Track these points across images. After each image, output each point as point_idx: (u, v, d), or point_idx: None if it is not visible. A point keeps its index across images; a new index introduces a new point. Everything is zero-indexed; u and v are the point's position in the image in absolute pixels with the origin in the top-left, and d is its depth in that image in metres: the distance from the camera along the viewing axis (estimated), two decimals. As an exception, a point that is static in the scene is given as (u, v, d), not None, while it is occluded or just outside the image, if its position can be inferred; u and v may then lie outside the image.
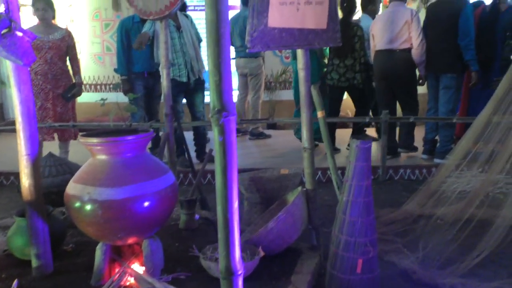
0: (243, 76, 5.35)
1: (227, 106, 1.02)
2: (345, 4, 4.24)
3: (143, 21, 3.89)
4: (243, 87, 5.42)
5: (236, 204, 1.08)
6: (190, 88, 4.02)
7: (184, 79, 3.93)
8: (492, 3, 3.79)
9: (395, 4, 4.04)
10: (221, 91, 1.00)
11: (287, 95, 6.82)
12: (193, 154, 4.20)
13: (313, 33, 2.00)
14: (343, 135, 4.93)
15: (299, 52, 2.05)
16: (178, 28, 3.87)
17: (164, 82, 2.82)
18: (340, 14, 4.26)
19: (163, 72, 2.81)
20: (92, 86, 7.07)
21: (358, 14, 4.83)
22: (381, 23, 4.08)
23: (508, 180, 3.01)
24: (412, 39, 3.94)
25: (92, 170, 1.73)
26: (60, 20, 6.81)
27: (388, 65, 4.05)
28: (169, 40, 3.75)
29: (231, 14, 5.96)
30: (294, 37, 1.96)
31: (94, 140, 1.69)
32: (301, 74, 2.10)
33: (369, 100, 4.51)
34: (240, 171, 3.33)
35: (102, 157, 1.73)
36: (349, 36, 4.15)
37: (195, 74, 3.98)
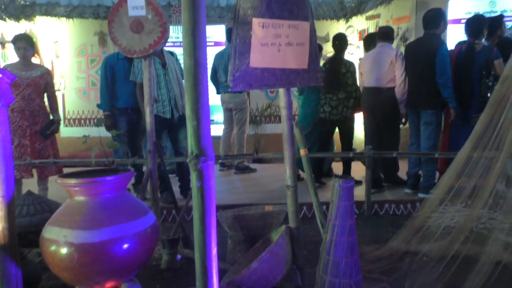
0: (228, 110, 5.39)
1: (206, 151, 1.01)
2: (336, 42, 4.48)
3: (129, 58, 3.93)
4: (228, 122, 5.45)
5: (214, 251, 1.06)
6: (173, 124, 4.03)
7: (168, 116, 3.94)
8: (468, 43, 3.95)
9: (381, 44, 4.29)
10: (199, 135, 1.00)
11: (273, 128, 6.88)
12: (177, 190, 4.15)
13: (295, 73, 2.04)
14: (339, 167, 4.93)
15: (281, 91, 2.08)
16: (164, 65, 3.91)
17: (147, 119, 2.82)
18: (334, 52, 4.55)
19: (146, 109, 2.81)
20: (76, 121, 7.02)
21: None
22: (369, 63, 4.33)
23: (491, 215, 3.03)
24: (396, 78, 4.12)
25: (69, 212, 1.68)
26: (46, 56, 6.85)
27: (375, 102, 4.25)
28: (154, 77, 3.81)
29: (218, 50, 6.08)
30: (276, 76, 1.99)
31: (72, 181, 1.65)
32: (283, 112, 2.12)
33: (353, 134, 4.64)
34: (225, 208, 3.30)
35: (80, 198, 1.70)
36: (341, 72, 4.38)
37: (179, 110, 4.00)
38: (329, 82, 4.35)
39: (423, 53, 3.91)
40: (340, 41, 4.48)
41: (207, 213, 1.04)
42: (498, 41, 4.06)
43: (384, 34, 4.41)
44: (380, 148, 4.10)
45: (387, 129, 4.28)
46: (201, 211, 1.03)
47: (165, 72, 3.91)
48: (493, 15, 5.32)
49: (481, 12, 5.20)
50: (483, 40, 4.01)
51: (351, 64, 4.47)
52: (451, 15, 5.53)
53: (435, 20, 3.91)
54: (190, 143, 1.02)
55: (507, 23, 4.62)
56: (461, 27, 4.45)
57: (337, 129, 4.63)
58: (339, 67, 4.38)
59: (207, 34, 6.48)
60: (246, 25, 1.87)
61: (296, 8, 1.94)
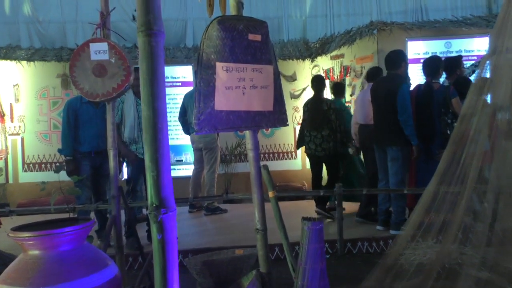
0: (198, 150, 5.37)
1: (166, 202, 0.99)
2: (314, 83, 4.88)
3: (94, 102, 3.90)
4: (199, 161, 5.42)
5: (177, 308, 1.01)
6: None
7: None
8: (426, 82, 4.16)
9: (368, 85, 4.70)
10: (160, 186, 0.98)
11: (243, 167, 6.88)
12: (144, 234, 4.01)
13: (260, 115, 2.07)
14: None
15: (248, 134, 2.10)
16: None
17: (111, 163, 2.76)
18: (313, 92, 4.88)
19: (110, 153, 2.76)
20: (37, 165, 6.79)
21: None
22: (358, 102, 4.78)
23: (461, 250, 3.07)
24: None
25: (22, 268, 1.58)
26: (4, 99, 6.68)
27: (365, 137, 4.58)
28: (136, 118, 3.78)
29: (185, 90, 6.13)
30: (242, 119, 2.01)
31: (25, 234, 1.57)
32: (250, 154, 2.12)
33: (338, 170, 4.89)
34: (194, 252, 3.20)
35: (35, 252, 1.61)
36: (323, 110, 4.67)
37: None
38: (312, 120, 4.70)
39: (386, 92, 4.08)
40: (318, 82, 4.88)
41: (169, 267, 1.00)
42: (455, 80, 4.29)
43: (370, 76, 4.75)
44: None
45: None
46: (162, 265, 0.99)
47: None
48: (449, 55, 5.72)
49: (437, 53, 5.53)
50: (441, 79, 4.24)
51: (331, 102, 4.83)
52: (410, 55, 5.85)
53: (396, 61, 4.12)
54: (149, 194, 1.00)
55: (464, 62, 4.91)
56: (420, 67, 4.70)
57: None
58: (320, 106, 4.71)
59: (175, 74, 6.63)
60: (209, 69, 1.90)
61: (259, 52, 1.99)
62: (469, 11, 6.53)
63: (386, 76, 4.26)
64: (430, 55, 5.85)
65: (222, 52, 1.89)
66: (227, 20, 1.90)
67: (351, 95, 6.22)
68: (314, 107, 4.73)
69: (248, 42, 1.94)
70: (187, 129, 5.34)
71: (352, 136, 4.84)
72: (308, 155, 4.90)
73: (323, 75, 6.76)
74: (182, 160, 6.79)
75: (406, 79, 4.27)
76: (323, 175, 5.00)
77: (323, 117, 4.66)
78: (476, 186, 2.72)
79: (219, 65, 1.90)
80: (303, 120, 4.98)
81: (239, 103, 1.98)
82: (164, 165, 1.00)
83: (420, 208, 2.89)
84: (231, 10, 2.02)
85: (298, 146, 5.34)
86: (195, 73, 1.98)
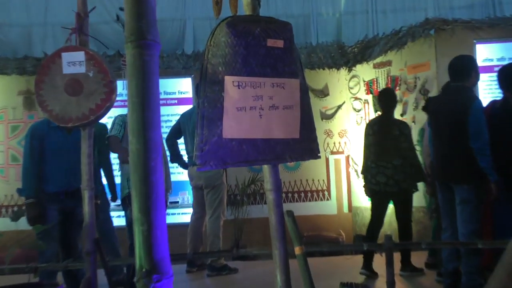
0: (198, 189, 5.36)
1: (161, 266, 0.98)
2: (382, 99, 4.93)
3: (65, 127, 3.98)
4: (199, 204, 5.40)
5: None
6: None
7: None
8: (504, 98, 4.10)
9: None
10: (152, 244, 0.98)
11: (259, 211, 6.84)
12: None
13: (283, 144, 2.06)
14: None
15: (266, 169, 2.09)
16: None
17: (86, 208, 2.78)
18: (380, 111, 4.97)
19: (85, 195, 2.78)
20: (-11, 209, 6.87)
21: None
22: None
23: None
24: None
25: None
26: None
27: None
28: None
29: (182, 109, 6.19)
30: (258, 150, 2.01)
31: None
32: (270, 196, 2.11)
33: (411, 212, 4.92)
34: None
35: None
36: (393, 135, 4.72)
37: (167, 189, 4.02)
38: (380, 147, 4.75)
39: (451, 112, 4.04)
40: (387, 97, 4.93)
41: None
42: None
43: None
44: None
45: None
46: None
47: None
48: None
49: None
50: None
51: (404, 125, 4.88)
52: (479, 62, 5.81)
53: (464, 70, 4.10)
54: (138, 255, 0.99)
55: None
56: (493, 77, 4.67)
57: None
58: (389, 129, 4.76)
59: (170, 89, 6.72)
60: (216, 84, 1.92)
61: (281, 63, 2.01)
62: (558, 4, 6.55)
63: (451, 90, 4.21)
64: (507, 61, 5.86)
65: (233, 63, 1.91)
66: (240, 21, 1.93)
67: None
68: (383, 130, 4.80)
69: (267, 50, 1.96)
70: (182, 163, 5.37)
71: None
72: (373, 193, 4.94)
73: (363, 88, 6.78)
74: (177, 202, 6.80)
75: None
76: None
77: (393, 144, 4.71)
78: None
79: (229, 80, 1.92)
80: (366, 146, 5.04)
81: (255, 129, 1.99)
82: (158, 216, 1.00)
83: (502, 271, 2.82)
84: (245, 9, 2.05)
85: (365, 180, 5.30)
86: (197, 90, 2.00)
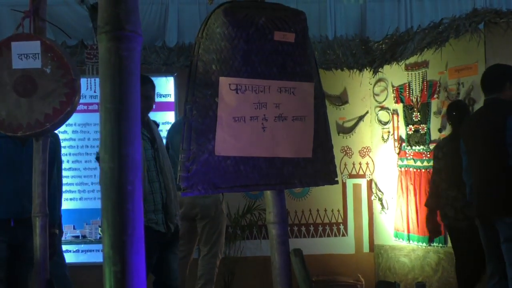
0: (189, 219, 5.33)
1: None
2: (454, 114, 5.10)
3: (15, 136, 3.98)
4: (188, 239, 5.38)
5: None
6: (166, 242, 4.07)
7: (162, 228, 3.97)
8: None
9: None
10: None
11: (256, 248, 6.82)
12: None
13: (292, 165, 2.07)
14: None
15: (269, 196, 2.09)
16: (153, 142, 4.00)
17: (38, 240, 2.77)
18: (448, 129, 5.15)
19: (36, 223, 2.78)
20: None
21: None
22: None
23: None
24: None
25: None
26: None
27: None
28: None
29: (160, 117, 6.18)
30: (260, 171, 2.01)
31: None
32: (273, 231, 2.11)
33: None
34: None
35: None
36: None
37: (172, 219, 4.01)
38: (450, 172, 4.90)
39: (485, 131, 4.18)
40: (459, 112, 5.11)
41: None
42: None
43: None
44: None
45: None
46: None
47: (155, 154, 4.00)
48: None
49: None
50: None
51: None
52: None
53: (495, 79, 4.25)
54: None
55: None
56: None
57: None
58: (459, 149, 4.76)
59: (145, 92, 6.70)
60: (208, 87, 1.93)
61: (291, 61, 2.02)
62: None
63: (484, 105, 4.40)
64: None
65: (231, 61, 1.92)
66: (240, 8, 1.94)
67: (440, 130, 6.23)
68: (453, 152, 4.86)
69: (274, 45, 1.98)
70: None
71: None
72: (447, 228, 5.18)
73: (392, 95, 6.81)
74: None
75: None
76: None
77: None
78: None
79: (225, 82, 1.93)
80: (436, 171, 5.20)
81: (257, 145, 1.99)
82: (135, 254, 1.00)
83: None
84: (247, -8, 2.07)
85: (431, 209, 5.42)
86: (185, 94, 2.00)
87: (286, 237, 2.09)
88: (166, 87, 6.70)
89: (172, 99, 6.70)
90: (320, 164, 2.14)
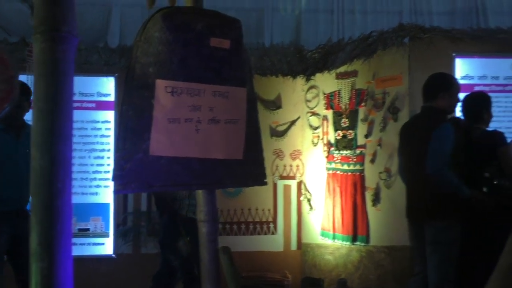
0: None
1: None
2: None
3: (12, 128, 4.00)
4: None
5: None
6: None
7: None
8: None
9: None
10: (51, 287, 0.96)
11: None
12: None
13: (223, 166, 2.07)
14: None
15: (201, 196, 2.09)
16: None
17: None
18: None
19: None
20: None
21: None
22: None
23: None
24: None
25: None
26: None
27: None
28: None
29: (104, 116, 6.07)
30: (193, 172, 2.01)
31: None
32: (203, 229, 2.11)
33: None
34: None
35: None
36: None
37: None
38: None
39: (416, 137, 4.28)
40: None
41: None
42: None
43: None
44: None
45: None
46: None
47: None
48: None
49: (500, 77, 5.95)
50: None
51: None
52: (461, 79, 6.06)
53: (431, 88, 4.34)
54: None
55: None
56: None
57: None
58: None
59: (87, 90, 6.58)
60: (145, 89, 1.91)
61: (227, 67, 2.03)
62: (550, 18, 6.88)
63: (420, 112, 4.49)
64: (489, 79, 6.13)
65: (168, 65, 1.91)
66: (179, 14, 1.94)
67: (366, 136, 6.34)
68: None
69: (210, 51, 1.98)
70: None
71: None
72: None
73: (323, 102, 6.89)
74: (88, 229, 6.63)
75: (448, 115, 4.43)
76: None
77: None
78: None
79: (161, 84, 1.92)
80: None
81: (190, 147, 1.98)
82: (63, 251, 0.98)
83: (498, 273, 2.90)
84: (185, -1, 2.06)
85: None
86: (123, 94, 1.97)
87: (215, 235, 2.09)
88: (107, 86, 6.57)
89: (112, 98, 6.58)
90: (250, 165, 2.15)
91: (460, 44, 6.12)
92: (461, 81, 6.07)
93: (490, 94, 5.63)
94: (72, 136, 1.03)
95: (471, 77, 6.18)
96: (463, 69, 6.18)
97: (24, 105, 4.01)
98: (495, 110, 5.71)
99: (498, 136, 4.39)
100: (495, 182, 4.18)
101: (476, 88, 5.98)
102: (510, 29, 6.59)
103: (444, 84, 4.37)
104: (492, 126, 4.74)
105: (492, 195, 4.19)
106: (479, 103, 4.56)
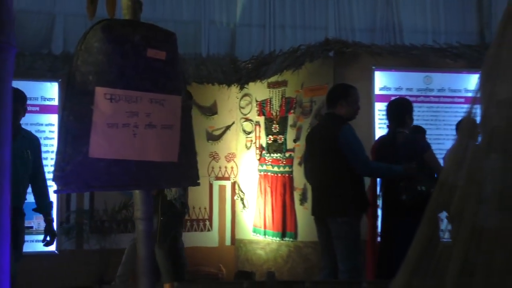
0: None
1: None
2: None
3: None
4: None
5: None
6: None
7: None
8: (389, 131, 4.65)
9: None
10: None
11: (129, 241, 6.67)
12: None
13: (159, 169, 2.06)
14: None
15: (137, 195, 2.08)
16: None
17: None
18: None
19: None
20: None
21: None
22: None
23: None
24: None
25: None
26: None
27: None
28: None
29: (47, 119, 5.91)
30: (130, 173, 1.99)
31: None
32: (140, 226, 2.10)
33: None
34: None
35: None
36: None
37: None
38: None
39: (321, 140, 4.37)
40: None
41: None
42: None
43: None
44: None
45: None
46: None
47: None
48: (428, 93, 6.26)
49: (414, 89, 6.15)
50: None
51: None
52: (377, 90, 6.25)
53: (333, 97, 4.48)
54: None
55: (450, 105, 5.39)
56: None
57: None
58: None
59: (32, 94, 6.38)
60: (85, 95, 1.89)
61: (163, 77, 2.03)
62: (456, 38, 7.10)
63: (322, 119, 4.74)
64: (404, 91, 6.33)
65: (107, 73, 1.89)
66: (117, 26, 1.92)
67: (294, 141, 6.42)
68: None
69: (147, 61, 1.97)
70: None
71: None
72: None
73: (256, 108, 6.94)
74: (32, 227, 6.43)
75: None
76: None
77: None
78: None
79: (100, 91, 1.90)
80: None
81: (128, 150, 1.97)
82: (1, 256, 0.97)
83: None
84: (124, 12, 2.04)
85: None
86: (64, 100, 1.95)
87: (150, 233, 2.08)
88: (50, 91, 6.40)
89: (55, 102, 6.43)
90: (185, 167, 2.15)
91: (379, 59, 6.29)
92: (380, 92, 6.30)
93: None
94: (9, 141, 1.02)
95: (389, 88, 6.36)
96: (382, 81, 6.35)
97: (19, 110, 4.04)
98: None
99: (420, 141, 4.57)
100: (403, 197, 4.25)
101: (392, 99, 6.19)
102: (422, 46, 6.87)
103: (343, 93, 4.46)
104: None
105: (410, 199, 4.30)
106: (402, 108, 4.67)
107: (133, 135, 1.98)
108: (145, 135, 2.00)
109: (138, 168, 2.01)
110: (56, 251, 6.05)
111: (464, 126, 3.33)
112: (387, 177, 4.37)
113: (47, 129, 6.01)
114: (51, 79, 6.27)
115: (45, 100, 6.37)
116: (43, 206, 4.44)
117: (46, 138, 6.05)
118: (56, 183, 1.85)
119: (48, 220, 3.98)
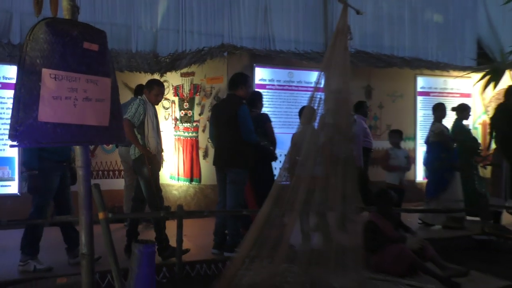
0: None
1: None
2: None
3: None
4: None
5: None
6: None
7: None
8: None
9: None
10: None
11: (110, 184, 6.37)
12: None
13: (94, 130, 1.98)
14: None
15: (78, 150, 1.99)
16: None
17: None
18: None
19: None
20: None
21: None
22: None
23: (290, 268, 3.39)
24: None
25: None
26: None
27: None
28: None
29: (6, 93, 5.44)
30: (71, 133, 1.90)
31: None
32: (80, 172, 2.02)
33: None
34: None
35: None
36: None
37: None
38: None
39: (225, 113, 4.36)
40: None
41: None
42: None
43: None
44: None
45: None
46: None
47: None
48: (291, 84, 6.51)
49: (281, 81, 6.47)
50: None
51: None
52: (256, 80, 6.40)
53: (235, 83, 4.43)
54: None
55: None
56: (266, 93, 5.21)
57: None
58: None
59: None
60: (34, 75, 1.77)
61: (96, 63, 1.93)
62: (310, 47, 7.39)
63: (226, 97, 4.63)
64: (275, 82, 6.53)
65: (51, 58, 1.77)
66: (59, 23, 1.80)
67: (200, 114, 6.43)
68: None
69: (83, 51, 1.87)
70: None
71: None
72: None
73: (172, 90, 6.81)
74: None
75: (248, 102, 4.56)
76: None
77: None
78: (304, 208, 3.09)
79: (46, 72, 1.78)
80: None
81: (69, 116, 1.87)
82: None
83: (253, 229, 3.13)
84: (64, 13, 1.91)
85: None
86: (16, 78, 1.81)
87: (88, 176, 2.01)
88: (10, 72, 5.77)
89: (14, 81, 5.87)
90: (114, 130, 2.08)
91: (258, 58, 6.44)
92: (258, 82, 6.43)
93: (274, 92, 6.33)
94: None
95: (264, 80, 6.54)
96: (259, 75, 6.52)
97: None
98: (277, 102, 6.26)
99: (264, 116, 4.88)
100: (261, 143, 4.56)
101: (267, 87, 6.45)
102: (288, 51, 7.07)
103: (243, 80, 4.48)
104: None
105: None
106: (256, 95, 4.93)
107: (73, 105, 1.88)
108: (83, 106, 1.91)
109: (77, 129, 1.92)
110: (18, 193, 5.68)
111: (305, 112, 3.55)
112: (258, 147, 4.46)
113: (9, 101, 5.52)
114: (10, 62, 5.73)
115: (6, 79, 5.84)
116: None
117: (8, 108, 5.58)
118: (11, 140, 1.74)
119: (72, 168, 3.93)
